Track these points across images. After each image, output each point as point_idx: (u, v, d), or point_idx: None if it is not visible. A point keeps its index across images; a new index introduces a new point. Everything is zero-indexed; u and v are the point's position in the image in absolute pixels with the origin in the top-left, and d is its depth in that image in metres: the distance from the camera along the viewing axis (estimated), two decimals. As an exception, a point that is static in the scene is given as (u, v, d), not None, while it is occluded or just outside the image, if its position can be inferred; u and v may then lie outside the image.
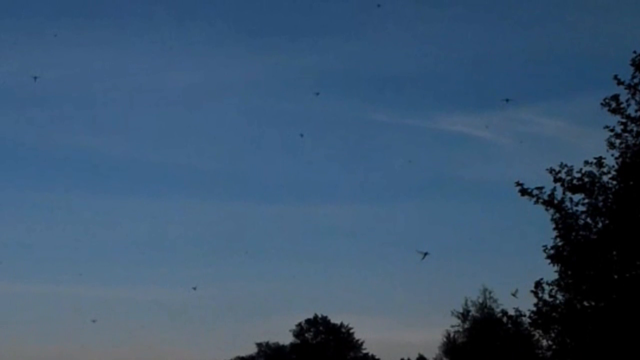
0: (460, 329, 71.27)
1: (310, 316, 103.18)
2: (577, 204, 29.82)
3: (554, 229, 30.01)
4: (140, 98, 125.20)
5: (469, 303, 70.07)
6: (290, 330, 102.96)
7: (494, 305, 68.42)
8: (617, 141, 29.41)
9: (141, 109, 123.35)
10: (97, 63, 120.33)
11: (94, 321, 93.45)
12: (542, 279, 29.92)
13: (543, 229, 30.62)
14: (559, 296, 29.86)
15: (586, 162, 29.75)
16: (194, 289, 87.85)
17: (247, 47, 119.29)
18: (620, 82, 29.30)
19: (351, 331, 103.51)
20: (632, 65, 29.08)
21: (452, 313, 70.41)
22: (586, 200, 29.71)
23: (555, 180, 30.03)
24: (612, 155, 29.51)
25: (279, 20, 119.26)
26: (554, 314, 29.81)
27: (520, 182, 30.29)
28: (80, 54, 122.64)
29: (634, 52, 29.07)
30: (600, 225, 29.51)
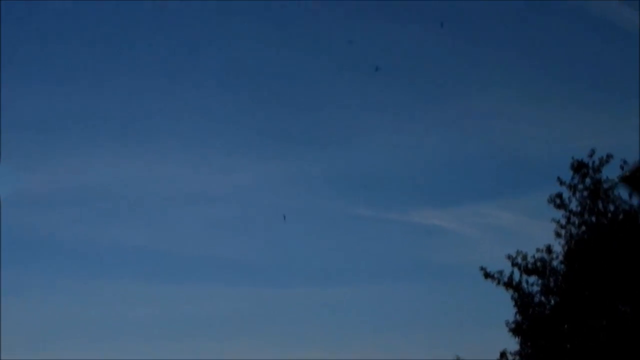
0: (437, 396, 71.44)
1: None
2: (532, 285, 31.24)
3: (514, 306, 31.32)
4: (169, 198, 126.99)
5: (445, 372, 70.59)
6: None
7: (466, 374, 69.20)
8: (563, 231, 31.09)
9: (170, 207, 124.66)
10: (128, 170, 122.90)
11: None
12: (505, 349, 31.25)
13: (505, 307, 31.66)
14: (521, 364, 31.14)
15: (538, 249, 31.33)
16: None
17: (247, 157, 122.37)
18: (562, 183, 31.21)
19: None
20: (571, 169, 31.12)
21: (430, 382, 70.67)
22: (540, 281, 31.15)
23: (513, 264, 31.44)
24: (559, 243, 31.23)
25: (275, 135, 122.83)
26: (517, 379, 30.95)
27: (484, 267, 31.68)
28: (116, 161, 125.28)
29: (572, 157, 31.14)
30: (552, 302, 30.94)
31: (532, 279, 31.15)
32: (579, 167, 30.97)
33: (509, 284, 31.30)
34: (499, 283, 31.38)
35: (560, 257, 31.05)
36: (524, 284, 31.24)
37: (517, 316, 31.12)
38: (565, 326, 30.51)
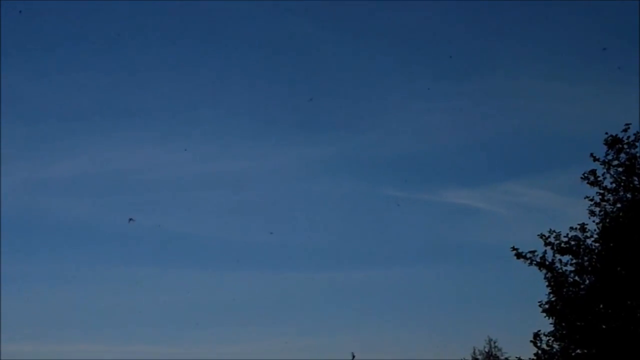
0: (470, 376, 70.49)
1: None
2: (566, 264, 30.01)
3: (547, 286, 30.13)
4: (195, 183, 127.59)
5: (477, 352, 69.31)
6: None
7: (498, 354, 67.70)
8: (597, 209, 29.78)
9: (196, 191, 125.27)
10: (160, 156, 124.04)
11: None
12: (539, 330, 30.09)
13: (538, 287, 30.67)
14: (556, 345, 29.90)
15: (571, 228, 30.03)
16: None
17: (277, 140, 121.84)
18: (595, 159, 29.80)
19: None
20: (605, 144, 29.66)
21: (462, 361, 69.79)
22: (574, 261, 29.91)
23: (546, 244, 30.24)
24: (593, 221, 29.87)
25: (303, 118, 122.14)
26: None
27: (516, 247, 30.51)
28: (145, 147, 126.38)
29: (606, 133, 29.69)
30: (587, 282, 29.69)
31: (566, 258, 29.98)
32: (613, 143, 29.50)
33: (541, 264, 30.12)
34: (531, 263, 30.26)
35: (595, 236, 29.73)
36: (557, 264, 30.05)
37: (551, 296, 29.94)
38: (601, 306, 29.19)
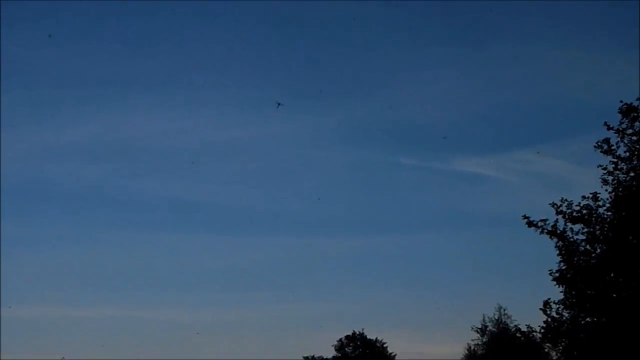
0: (480, 342, 70.47)
1: (349, 333, 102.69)
2: (577, 233, 29.62)
3: (558, 255, 29.75)
4: (205, 150, 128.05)
5: (487, 319, 69.28)
6: (332, 346, 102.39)
7: (508, 321, 67.62)
8: (610, 178, 29.24)
9: (208, 158, 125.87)
10: (171, 123, 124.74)
11: (197, 333, 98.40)
12: (549, 298, 29.80)
13: (548, 255, 30.41)
14: (565, 313, 29.66)
15: (583, 197, 29.58)
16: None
17: (289, 107, 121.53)
18: (609, 127, 29.19)
19: (385, 345, 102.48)
20: (619, 112, 29.01)
21: (472, 328, 69.67)
22: (585, 230, 29.49)
23: (558, 212, 29.81)
24: (606, 190, 29.36)
25: (316, 85, 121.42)
26: (561, 329, 29.56)
27: (527, 215, 30.13)
28: (157, 114, 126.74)
29: (621, 101, 29.05)
30: (598, 251, 29.29)
31: (577, 227, 29.53)
32: (628, 111, 28.83)
33: (553, 233, 29.70)
34: (542, 231, 29.87)
35: (607, 205, 29.20)
36: (569, 232, 29.63)
37: (562, 265, 29.52)
38: (612, 275, 28.79)
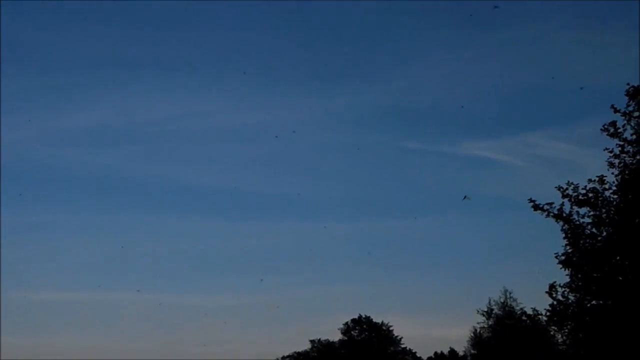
0: (486, 325, 70.28)
1: (356, 316, 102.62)
2: (583, 216, 29.17)
3: (564, 238, 29.31)
4: (218, 134, 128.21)
5: (493, 303, 69.10)
6: (338, 329, 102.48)
7: (514, 304, 67.44)
8: (616, 161, 28.77)
9: (216, 143, 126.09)
10: (184, 107, 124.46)
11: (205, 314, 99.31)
12: (555, 281, 29.39)
13: (554, 239, 30.01)
14: (571, 296, 29.23)
15: (590, 180, 29.13)
16: (261, 280, 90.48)
17: (299, 91, 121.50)
18: (616, 110, 28.67)
19: (391, 328, 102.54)
20: (626, 95, 28.50)
21: (478, 311, 69.47)
22: (591, 213, 29.02)
23: (564, 196, 29.36)
24: (612, 173, 28.88)
25: (325, 70, 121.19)
26: (567, 312, 29.17)
27: (533, 199, 29.66)
28: (169, 99, 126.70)
29: (628, 84, 28.54)
30: (604, 234, 28.85)
31: (584, 210, 29.06)
32: (635, 94, 28.29)
33: (559, 216, 29.24)
34: (548, 215, 29.40)
35: (614, 188, 28.71)
36: (575, 216, 29.14)
37: (567, 248, 29.08)
38: (618, 258, 28.37)
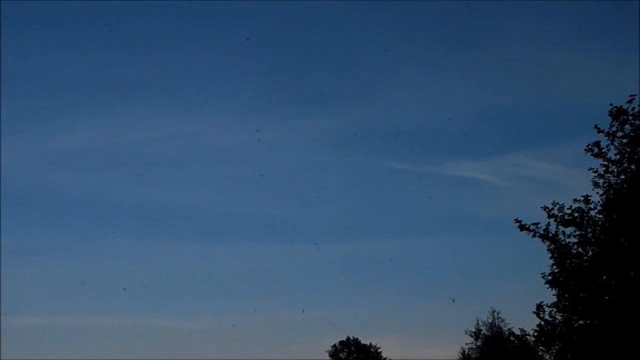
0: (474, 346, 69.93)
1: (344, 338, 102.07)
2: (569, 236, 29.22)
3: (550, 258, 29.33)
4: (200, 156, 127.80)
5: (480, 323, 68.79)
6: (326, 351, 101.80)
7: (502, 325, 67.14)
8: (601, 181, 28.86)
9: (201, 165, 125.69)
10: (166, 130, 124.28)
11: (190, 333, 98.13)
12: (542, 301, 29.42)
13: (541, 259, 29.91)
14: (558, 316, 29.25)
15: (575, 200, 29.21)
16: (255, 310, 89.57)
17: (282, 114, 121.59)
18: (600, 130, 28.76)
19: (379, 350, 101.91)
20: (609, 115, 28.60)
21: (466, 332, 69.19)
22: (577, 233, 29.09)
23: (549, 216, 29.41)
24: (597, 193, 28.97)
25: (308, 92, 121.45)
26: (554, 332, 29.19)
27: (519, 219, 29.69)
28: (155, 120, 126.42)
29: (611, 104, 28.60)
30: (590, 253, 28.89)
31: (569, 230, 29.12)
32: (618, 114, 28.41)
33: (545, 236, 29.31)
34: (534, 235, 29.48)
35: (599, 207, 28.79)
36: (561, 236, 29.22)
37: (554, 268, 29.08)
38: (604, 278, 28.37)
